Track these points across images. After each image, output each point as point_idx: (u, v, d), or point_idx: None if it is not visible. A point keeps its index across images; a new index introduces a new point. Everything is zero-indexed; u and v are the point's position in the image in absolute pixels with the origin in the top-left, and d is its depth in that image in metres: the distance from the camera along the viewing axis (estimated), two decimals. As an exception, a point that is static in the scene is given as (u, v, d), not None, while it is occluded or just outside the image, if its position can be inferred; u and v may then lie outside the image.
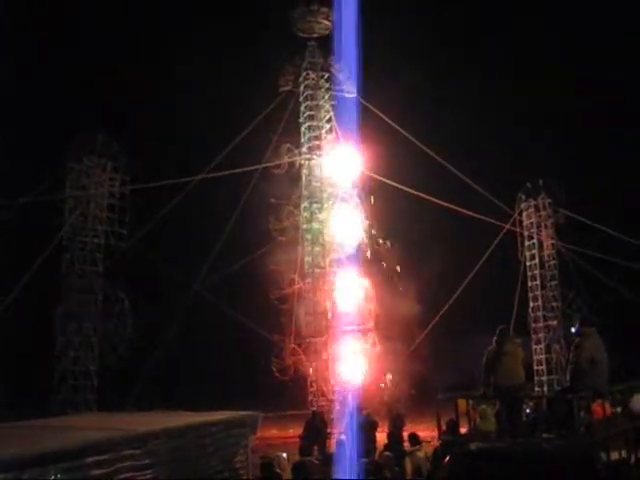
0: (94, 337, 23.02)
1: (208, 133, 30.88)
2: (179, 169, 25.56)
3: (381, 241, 26.76)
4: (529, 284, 27.67)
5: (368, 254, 26.39)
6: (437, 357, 27.23)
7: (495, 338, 9.87)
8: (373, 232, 26.76)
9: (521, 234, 27.99)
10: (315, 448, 14.57)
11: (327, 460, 11.09)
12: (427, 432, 14.49)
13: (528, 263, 27.79)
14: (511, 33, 37.77)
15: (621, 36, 35.90)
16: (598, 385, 9.36)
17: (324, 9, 27.41)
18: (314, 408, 22.78)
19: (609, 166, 34.19)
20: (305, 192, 27.18)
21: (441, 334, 26.90)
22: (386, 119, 26.21)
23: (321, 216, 26.83)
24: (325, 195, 26.97)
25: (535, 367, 26.71)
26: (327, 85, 27.74)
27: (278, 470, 10.28)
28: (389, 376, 26.22)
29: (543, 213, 27.77)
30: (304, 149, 27.29)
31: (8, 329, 21.64)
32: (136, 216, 24.70)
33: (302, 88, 27.79)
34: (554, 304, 27.23)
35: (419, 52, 33.33)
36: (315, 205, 27.00)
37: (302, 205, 27.00)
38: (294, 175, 27.31)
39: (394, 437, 14.37)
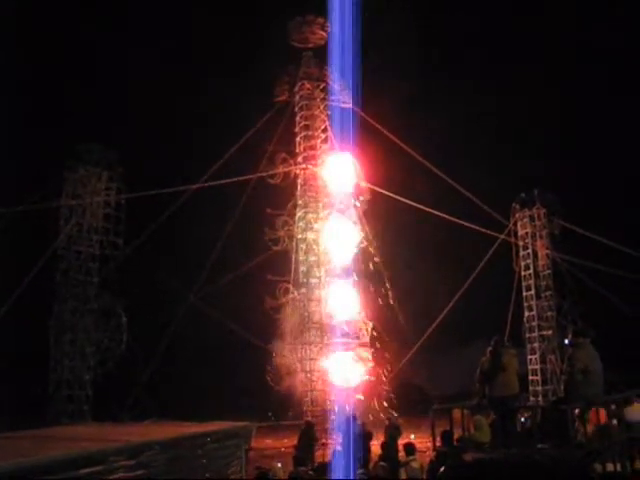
0: (89, 347, 22.95)
1: (204, 142, 30.95)
2: (175, 179, 25.59)
3: (375, 253, 26.75)
4: (524, 294, 27.64)
5: (362, 264, 26.36)
6: (433, 367, 27.22)
7: (489, 348, 9.90)
8: (367, 241, 26.73)
9: (516, 244, 28.02)
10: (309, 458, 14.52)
11: (319, 471, 11.06)
12: (422, 442, 14.48)
13: (523, 273, 27.79)
14: (507, 45, 37.95)
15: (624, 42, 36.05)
16: (592, 395, 9.38)
17: (320, 19, 27.51)
18: (308, 418, 22.70)
19: (604, 176, 34.32)
20: (300, 202, 27.20)
21: (436, 344, 26.88)
22: (381, 129, 26.30)
23: (316, 226, 26.85)
24: (320, 205, 27.01)
25: (530, 377, 26.68)
26: (322, 95, 27.80)
27: (273, 480, 10.28)
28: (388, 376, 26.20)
29: (538, 223, 27.80)
30: (299, 159, 27.35)
31: (3, 338, 21.55)
32: (132, 225, 24.72)
33: (297, 98, 27.86)
34: (549, 314, 27.19)
35: (415, 62, 33.43)
36: (310, 215, 27.02)
37: (297, 215, 27.02)
38: (289, 185, 27.36)
39: (389, 447, 14.33)
